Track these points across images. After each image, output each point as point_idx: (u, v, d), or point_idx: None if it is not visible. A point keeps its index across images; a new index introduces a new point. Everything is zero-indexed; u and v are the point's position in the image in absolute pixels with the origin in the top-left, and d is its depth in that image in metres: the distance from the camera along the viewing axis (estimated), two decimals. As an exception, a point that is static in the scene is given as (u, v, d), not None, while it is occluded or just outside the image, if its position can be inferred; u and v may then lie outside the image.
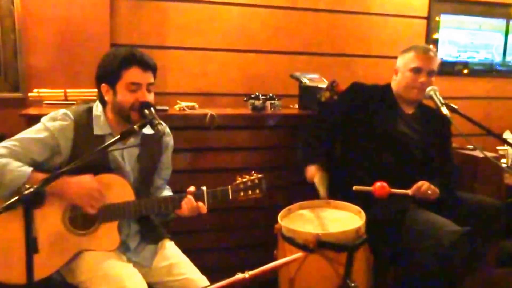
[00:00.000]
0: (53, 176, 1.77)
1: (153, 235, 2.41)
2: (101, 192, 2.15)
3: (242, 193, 2.35)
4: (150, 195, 2.48)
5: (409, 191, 2.75)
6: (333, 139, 3.15)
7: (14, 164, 2.05)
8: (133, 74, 2.18)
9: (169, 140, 2.53)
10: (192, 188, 2.30)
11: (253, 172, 2.40)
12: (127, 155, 2.32)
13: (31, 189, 1.58)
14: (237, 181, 2.36)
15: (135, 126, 2.02)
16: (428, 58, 2.93)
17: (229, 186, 2.34)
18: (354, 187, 2.74)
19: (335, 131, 3.09)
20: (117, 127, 2.26)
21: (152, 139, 2.37)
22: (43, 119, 2.23)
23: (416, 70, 2.93)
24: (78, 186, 2.12)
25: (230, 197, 2.34)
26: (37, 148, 2.15)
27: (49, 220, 2.13)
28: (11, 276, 2.03)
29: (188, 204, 2.26)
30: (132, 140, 2.31)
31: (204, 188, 2.30)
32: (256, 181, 2.36)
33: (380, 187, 2.71)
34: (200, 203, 2.27)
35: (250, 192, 2.36)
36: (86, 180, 2.13)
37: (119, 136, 1.95)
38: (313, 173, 2.85)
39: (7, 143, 2.14)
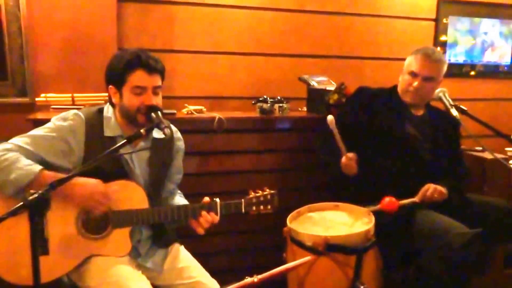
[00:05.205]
0: (59, 180, 1.75)
1: (164, 240, 2.41)
2: (106, 195, 2.14)
3: (254, 208, 2.37)
4: (162, 199, 2.48)
5: (416, 199, 2.74)
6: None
7: (23, 162, 2.03)
8: (138, 77, 2.16)
9: (181, 144, 2.53)
10: (206, 199, 2.31)
11: (265, 187, 2.42)
12: (136, 159, 2.30)
13: (36, 195, 1.56)
14: (250, 195, 2.38)
15: (141, 130, 2.00)
16: (427, 64, 2.89)
17: (242, 200, 2.36)
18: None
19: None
20: (127, 129, 2.24)
21: (163, 143, 2.37)
22: (53, 119, 2.22)
23: (413, 74, 2.91)
24: (83, 188, 2.10)
25: (243, 211, 2.36)
26: (46, 147, 2.13)
27: (62, 223, 2.13)
28: (21, 277, 2.02)
29: (204, 223, 2.26)
30: (142, 144, 2.31)
31: (217, 200, 2.31)
32: (269, 196, 2.39)
33: (388, 202, 2.69)
34: (213, 214, 2.28)
35: (262, 207, 2.39)
36: (91, 183, 2.12)
37: (125, 140, 1.95)
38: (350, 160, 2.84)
39: (18, 139, 2.12)
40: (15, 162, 2.02)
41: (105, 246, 2.19)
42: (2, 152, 2.04)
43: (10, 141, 2.13)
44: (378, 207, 2.69)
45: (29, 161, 2.06)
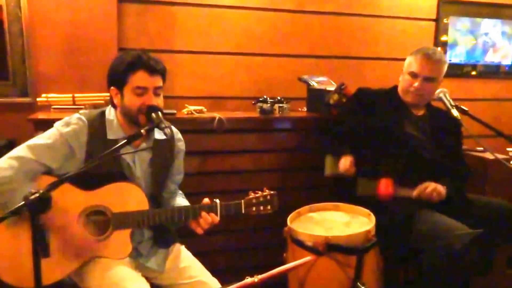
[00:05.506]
0: (59, 181, 1.76)
1: (165, 240, 2.41)
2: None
3: (254, 208, 2.36)
4: (163, 199, 2.49)
5: (413, 193, 2.74)
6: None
7: (18, 196, 1.86)
8: (139, 78, 2.16)
9: (181, 145, 2.54)
10: (206, 200, 2.31)
11: (265, 188, 2.41)
12: (138, 160, 2.31)
13: (37, 194, 1.57)
14: (250, 196, 2.37)
15: (142, 130, 2.01)
16: (428, 65, 2.89)
17: (242, 201, 2.35)
18: (359, 193, 2.75)
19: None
20: (129, 131, 2.24)
21: (164, 144, 2.37)
22: (56, 124, 2.21)
23: (413, 75, 2.91)
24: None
25: (243, 211, 2.35)
26: (50, 154, 2.13)
27: (64, 225, 2.11)
28: (23, 280, 2.02)
29: (204, 224, 2.26)
30: (144, 145, 2.31)
31: (217, 201, 2.30)
32: (268, 197, 2.38)
33: (384, 189, 2.71)
34: (213, 215, 2.27)
35: (262, 207, 2.37)
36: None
37: (125, 140, 1.95)
38: (347, 164, 2.85)
39: (20, 151, 2.11)
40: (12, 194, 2.00)
41: (106, 248, 2.18)
42: (4, 172, 2.04)
43: (14, 152, 2.11)
44: (373, 193, 2.74)
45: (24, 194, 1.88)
